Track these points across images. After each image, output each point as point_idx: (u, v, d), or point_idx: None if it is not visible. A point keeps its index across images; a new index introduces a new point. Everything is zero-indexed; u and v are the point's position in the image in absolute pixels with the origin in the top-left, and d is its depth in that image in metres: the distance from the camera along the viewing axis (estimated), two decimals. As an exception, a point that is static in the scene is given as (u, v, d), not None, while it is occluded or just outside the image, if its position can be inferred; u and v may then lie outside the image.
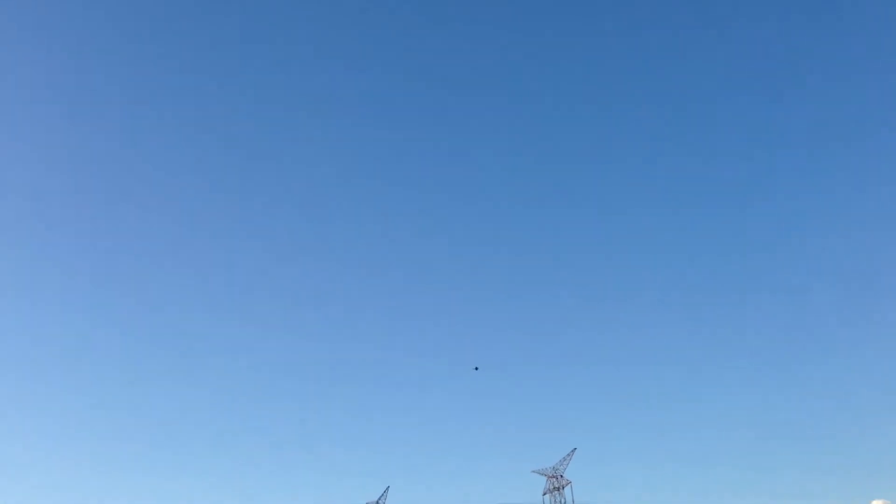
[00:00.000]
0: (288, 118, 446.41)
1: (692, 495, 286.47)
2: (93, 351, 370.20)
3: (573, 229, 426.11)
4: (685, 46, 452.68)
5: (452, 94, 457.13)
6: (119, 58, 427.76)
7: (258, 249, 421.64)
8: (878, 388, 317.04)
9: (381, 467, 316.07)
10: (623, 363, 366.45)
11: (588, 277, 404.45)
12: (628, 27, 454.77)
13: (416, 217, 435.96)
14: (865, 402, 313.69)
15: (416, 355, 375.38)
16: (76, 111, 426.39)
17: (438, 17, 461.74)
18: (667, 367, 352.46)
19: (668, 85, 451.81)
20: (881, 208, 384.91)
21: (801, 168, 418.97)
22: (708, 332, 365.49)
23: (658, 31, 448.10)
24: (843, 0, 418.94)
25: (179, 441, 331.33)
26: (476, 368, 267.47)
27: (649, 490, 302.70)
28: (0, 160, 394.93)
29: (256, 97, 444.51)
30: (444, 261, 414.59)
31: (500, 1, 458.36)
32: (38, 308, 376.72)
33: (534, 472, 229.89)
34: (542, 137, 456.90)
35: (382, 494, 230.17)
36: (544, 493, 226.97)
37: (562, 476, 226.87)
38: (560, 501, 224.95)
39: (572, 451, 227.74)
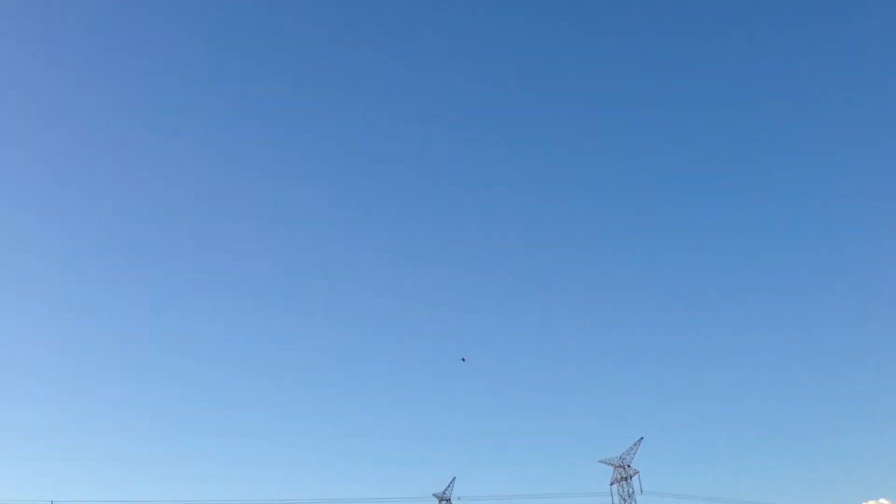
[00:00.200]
0: (289, 117, 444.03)
1: (760, 483, 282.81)
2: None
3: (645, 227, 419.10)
4: (688, 46, 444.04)
5: (454, 88, 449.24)
6: (119, 57, 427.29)
7: (340, 244, 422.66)
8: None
9: (448, 458, 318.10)
10: (689, 354, 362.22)
11: (650, 272, 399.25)
12: (650, 25, 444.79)
13: (480, 213, 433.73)
14: None
15: (483, 348, 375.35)
16: (76, 111, 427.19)
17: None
18: (736, 357, 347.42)
19: (670, 84, 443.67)
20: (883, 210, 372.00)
21: (805, 169, 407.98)
22: (769, 329, 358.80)
23: (673, 30, 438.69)
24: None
25: (239, 432, 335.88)
26: (463, 359, 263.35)
27: (718, 479, 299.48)
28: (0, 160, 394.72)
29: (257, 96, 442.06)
30: (514, 256, 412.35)
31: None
32: (37, 308, 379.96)
33: (600, 461, 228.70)
34: (548, 133, 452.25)
35: (449, 485, 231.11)
36: (611, 483, 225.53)
37: (629, 466, 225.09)
38: (628, 491, 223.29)
39: (639, 440, 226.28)
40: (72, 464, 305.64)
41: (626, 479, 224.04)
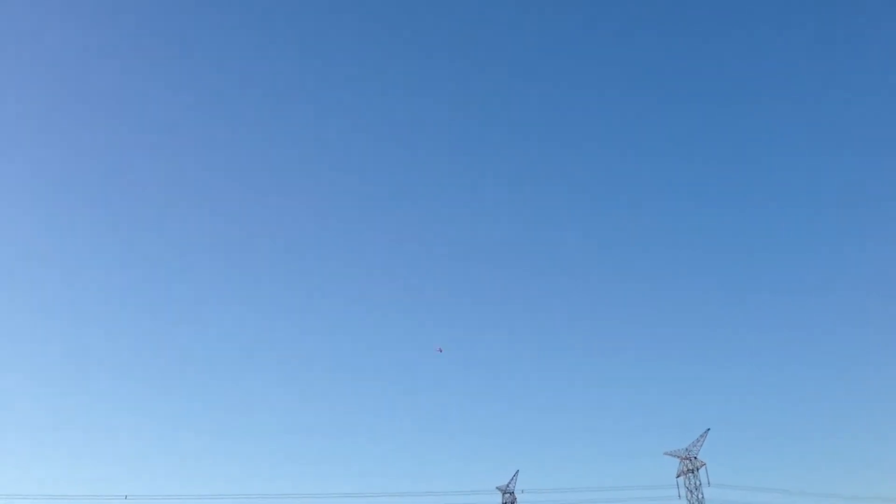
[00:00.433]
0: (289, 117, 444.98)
1: (830, 474, 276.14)
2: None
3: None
4: (689, 45, 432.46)
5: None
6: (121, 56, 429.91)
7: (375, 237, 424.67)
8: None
9: (511, 451, 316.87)
10: (754, 342, 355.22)
11: (715, 266, 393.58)
12: (652, 23, 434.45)
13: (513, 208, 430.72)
14: None
15: (546, 341, 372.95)
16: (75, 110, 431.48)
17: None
18: (807, 347, 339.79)
19: (673, 83, 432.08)
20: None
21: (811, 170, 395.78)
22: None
23: (674, 29, 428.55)
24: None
25: (306, 428, 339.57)
26: (440, 350, 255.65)
27: (787, 469, 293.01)
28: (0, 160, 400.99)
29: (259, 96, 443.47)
30: (572, 254, 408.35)
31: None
32: (37, 308, 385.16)
33: (666, 453, 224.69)
34: (548, 134, 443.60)
35: (512, 478, 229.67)
36: (678, 476, 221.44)
37: (695, 457, 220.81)
38: (695, 483, 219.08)
39: (705, 431, 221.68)
40: (74, 462, 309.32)
41: (693, 471, 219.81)
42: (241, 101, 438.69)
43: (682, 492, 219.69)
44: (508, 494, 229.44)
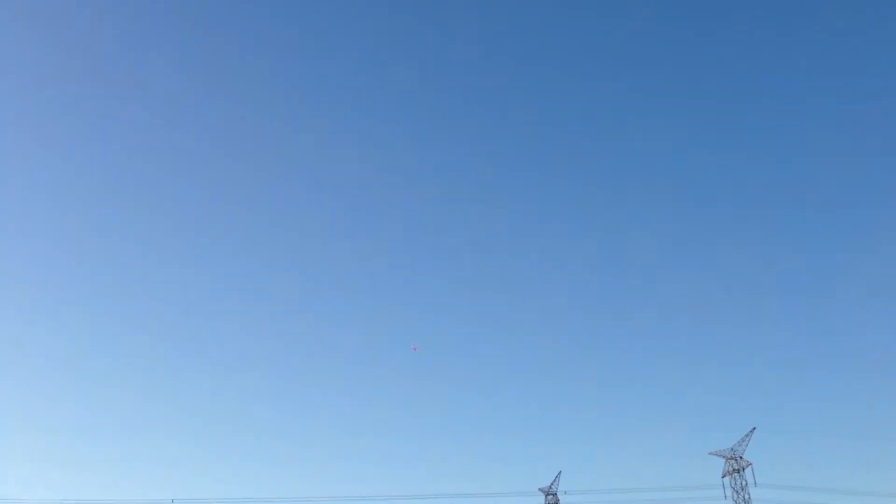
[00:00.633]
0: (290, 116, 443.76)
1: (880, 475, 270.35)
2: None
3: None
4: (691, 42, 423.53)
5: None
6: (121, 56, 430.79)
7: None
8: None
9: (554, 452, 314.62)
10: (800, 339, 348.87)
11: (761, 266, 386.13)
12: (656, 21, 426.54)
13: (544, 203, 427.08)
14: None
15: (588, 341, 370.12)
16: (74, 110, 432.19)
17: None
18: (853, 347, 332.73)
19: (675, 82, 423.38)
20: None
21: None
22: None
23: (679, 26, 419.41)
24: None
25: (344, 428, 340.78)
26: (414, 348, 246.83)
27: (835, 469, 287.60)
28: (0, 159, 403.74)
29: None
30: (617, 255, 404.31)
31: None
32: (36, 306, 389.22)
33: (711, 453, 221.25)
34: (551, 132, 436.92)
35: (555, 479, 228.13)
36: (723, 476, 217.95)
37: (741, 457, 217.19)
38: (741, 483, 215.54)
39: (751, 430, 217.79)
40: (77, 464, 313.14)
41: (739, 471, 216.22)
42: (253, 94, 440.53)
43: (728, 492, 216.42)
44: (551, 496, 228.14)
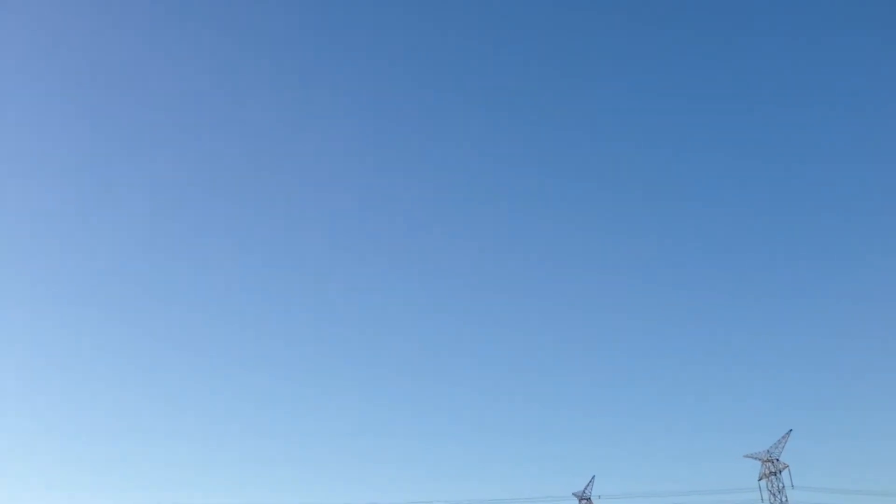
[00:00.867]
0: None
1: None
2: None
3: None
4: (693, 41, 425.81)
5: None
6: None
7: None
8: None
9: (588, 457, 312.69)
10: (836, 342, 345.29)
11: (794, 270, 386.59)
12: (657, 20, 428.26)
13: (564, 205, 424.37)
14: None
15: (620, 345, 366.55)
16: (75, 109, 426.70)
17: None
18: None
19: (675, 82, 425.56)
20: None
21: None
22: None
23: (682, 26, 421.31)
24: None
25: (370, 431, 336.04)
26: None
27: (874, 472, 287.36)
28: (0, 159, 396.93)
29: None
30: (648, 259, 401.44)
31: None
32: (39, 307, 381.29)
33: (746, 456, 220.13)
34: (554, 133, 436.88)
35: (588, 484, 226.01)
36: (760, 479, 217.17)
37: (777, 460, 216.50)
38: (778, 486, 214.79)
39: (787, 432, 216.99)
40: (77, 464, 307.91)
41: (776, 474, 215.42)
42: (254, 94, 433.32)
43: (765, 495, 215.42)
44: (585, 501, 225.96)
